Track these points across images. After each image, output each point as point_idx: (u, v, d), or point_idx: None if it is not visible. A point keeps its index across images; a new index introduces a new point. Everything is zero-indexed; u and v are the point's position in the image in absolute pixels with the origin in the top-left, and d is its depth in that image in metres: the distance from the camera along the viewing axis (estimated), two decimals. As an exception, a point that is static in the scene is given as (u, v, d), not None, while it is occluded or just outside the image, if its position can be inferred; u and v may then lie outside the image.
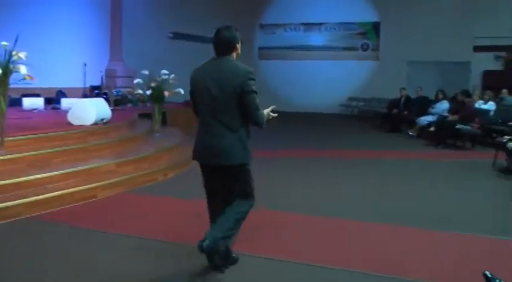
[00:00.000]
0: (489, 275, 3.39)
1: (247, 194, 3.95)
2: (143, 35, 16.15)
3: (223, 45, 3.93)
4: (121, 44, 15.03)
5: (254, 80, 3.82)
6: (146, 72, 9.93)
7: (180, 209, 6.03)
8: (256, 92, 3.81)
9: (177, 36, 18.31)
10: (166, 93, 9.91)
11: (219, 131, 3.82)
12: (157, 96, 9.94)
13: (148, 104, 11.17)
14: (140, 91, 10.20)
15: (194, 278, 3.96)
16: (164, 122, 11.87)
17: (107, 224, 5.32)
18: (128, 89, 13.54)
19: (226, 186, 3.99)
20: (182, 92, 10.10)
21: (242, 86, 3.75)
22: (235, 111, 3.80)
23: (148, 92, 9.94)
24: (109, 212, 5.84)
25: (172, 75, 9.97)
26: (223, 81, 3.80)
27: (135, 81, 10.24)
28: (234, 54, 3.96)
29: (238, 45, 3.96)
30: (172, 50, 17.55)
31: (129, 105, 13.21)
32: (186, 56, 18.12)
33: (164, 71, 9.94)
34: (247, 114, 3.81)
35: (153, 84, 9.87)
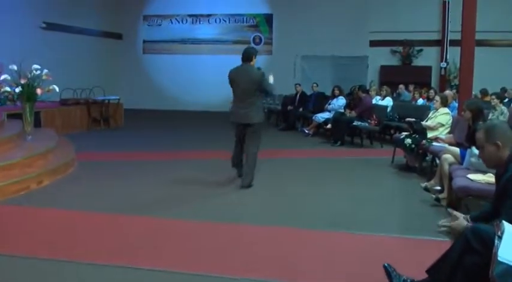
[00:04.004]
0: (387, 266, 3.63)
1: (255, 141, 7.31)
2: (10, 24, 15.38)
3: (247, 56, 7.28)
4: (-16, 35, 14.22)
5: (264, 75, 7.26)
6: (15, 67, 9.47)
7: (58, 221, 5.79)
8: (266, 79, 7.28)
9: (51, 26, 17.60)
10: (38, 90, 9.50)
11: (246, 105, 7.21)
12: (28, 94, 9.50)
13: (19, 103, 10.66)
14: (8, 88, 9.71)
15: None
16: (38, 123, 11.41)
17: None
18: (-6, 87, 12.87)
19: (245, 136, 7.36)
20: (57, 89, 9.75)
21: (259, 80, 7.17)
22: (254, 94, 7.21)
23: (18, 90, 9.48)
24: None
25: (46, 71, 9.57)
26: (248, 78, 7.16)
27: (2, 77, 9.71)
28: (252, 62, 7.28)
29: (255, 58, 7.31)
30: (45, 42, 16.80)
31: (-4, 104, 12.57)
32: (62, 49, 17.54)
33: (36, 66, 9.54)
34: (265, 91, 7.50)
35: (23, 81, 9.42)
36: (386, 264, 3.67)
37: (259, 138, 7.44)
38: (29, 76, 9.47)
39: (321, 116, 13.44)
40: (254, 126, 7.27)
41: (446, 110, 8.66)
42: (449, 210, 3.60)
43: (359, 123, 11.67)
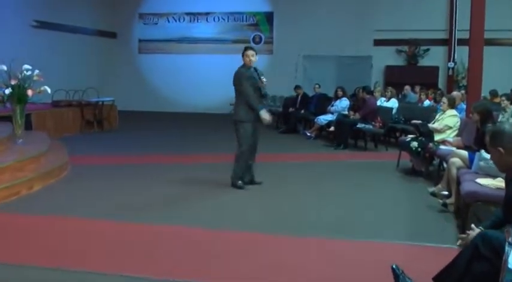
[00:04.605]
0: (396, 268, 3.65)
1: (238, 138, 7.68)
2: (0, 23, 15.38)
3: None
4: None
5: (244, 79, 7.54)
6: (4, 67, 9.47)
7: (49, 228, 5.77)
8: (240, 82, 7.56)
9: (43, 25, 17.60)
10: (29, 92, 9.50)
11: (235, 104, 7.82)
12: (18, 95, 9.50)
13: (9, 105, 10.65)
14: (-3, 90, 9.71)
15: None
16: (29, 125, 11.40)
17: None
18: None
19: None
20: (49, 90, 9.73)
21: (234, 81, 7.70)
22: (238, 95, 7.67)
23: (8, 91, 9.48)
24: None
25: (37, 71, 9.57)
26: (233, 79, 7.73)
27: (-8, 78, 9.73)
28: (243, 61, 7.72)
29: (246, 53, 7.72)
30: (36, 41, 16.80)
31: (-15, 106, 12.56)
32: (53, 49, 17.52)
33: (26, 66, 9.53)
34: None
35: (13, 82, 9.42)
36: (394, 266, 3.65)
37: (241, 136, 7.68)
38: (20, 77, 9.46)
39: (324, 118, 13.39)
40: (236, 123, 7.73)
41: (453, 111, 8.65)
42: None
43: (363, 125, 11.63)
